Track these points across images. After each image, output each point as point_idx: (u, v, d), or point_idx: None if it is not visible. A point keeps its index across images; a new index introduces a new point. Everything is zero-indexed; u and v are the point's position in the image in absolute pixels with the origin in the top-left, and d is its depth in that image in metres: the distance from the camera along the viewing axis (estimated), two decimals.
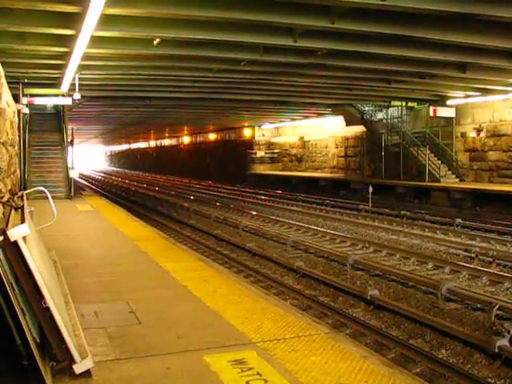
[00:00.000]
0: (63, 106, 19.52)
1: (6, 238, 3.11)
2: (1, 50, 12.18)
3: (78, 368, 3.31)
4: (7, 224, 4.15)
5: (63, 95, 17.89)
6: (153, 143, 63.28)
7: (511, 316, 6.82)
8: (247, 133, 39.87)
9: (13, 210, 5.49)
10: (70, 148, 19.89)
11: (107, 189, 33.86)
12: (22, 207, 5.55)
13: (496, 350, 5.61)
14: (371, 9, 9.66)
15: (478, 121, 21.59)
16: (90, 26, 9.08)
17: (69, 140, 20.07)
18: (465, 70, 15.63)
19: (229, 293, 5.55)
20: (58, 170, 19.06)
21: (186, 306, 5.09)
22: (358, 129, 27.69)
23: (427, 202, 20.66)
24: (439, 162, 22.77)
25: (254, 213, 18.70)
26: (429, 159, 22.47)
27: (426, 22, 10.70)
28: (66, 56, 12.61)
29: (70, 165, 19.23)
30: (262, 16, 9.88)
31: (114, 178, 48.51)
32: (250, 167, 36.88)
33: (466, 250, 11.46)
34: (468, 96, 21.44)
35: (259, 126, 38.92)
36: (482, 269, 9.49)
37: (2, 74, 8.50)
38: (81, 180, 40.00)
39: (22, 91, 16.48)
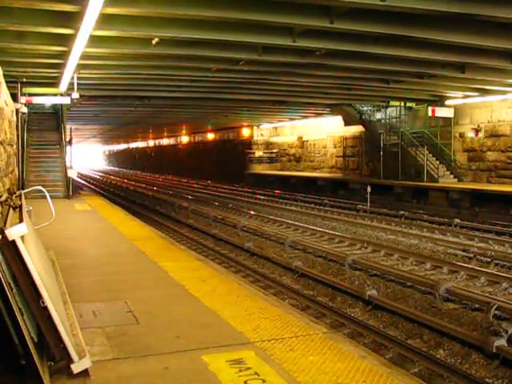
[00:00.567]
0: (62, 105, 19.52)
1: (4, 237, 3.10)
2: None
3: (76, 368, 3.31)
4: (5, 223, 4.15)
5: (62, 94, 17.88)
6: (151, 143, 63.22)
7: (509, 316, 6.83)
8: (246, 132, 39.84)
9: (11, 210, 5.49)
10: (68, 147, 19.89)
11: (106, 188, 33.86)
12: (20, 206, 5.55)
13: (494, 350, 5.61)
14: (370, 9, 9.66)
15: (476, 121, 21.59)
16: (88, 25, 9.08)
17: (67, 139, 20.05)
18: (464, 71, 15.65)
19: (227, 292, 5.55)
20: (56, 170, 19.03)
21: (184, 306, 5.08)
22: (357, 129, 27.69)
23: (425, 202, 20.66)
24: (437, 162, 22.77)
25: (253, 212, 18.70)
26: (427, 159, 22.46)
27: (425, 23, 10.71)
28: (64, 55, 12.60)
29: (68, 164, 19.23)
30: (261, 16, 9.87)
31: (112, 177, 48.46)
32: (248, 167, 36.86)
33: (464, 250, 11.46)
34: (466, 96, 21.44)
35: (258, 126, 38.89)
36: (480, 269, 9.50)
37: (1, 73, 8.51)
38: (79, 179, 39.93)
39: (21, 90, 16.43)
